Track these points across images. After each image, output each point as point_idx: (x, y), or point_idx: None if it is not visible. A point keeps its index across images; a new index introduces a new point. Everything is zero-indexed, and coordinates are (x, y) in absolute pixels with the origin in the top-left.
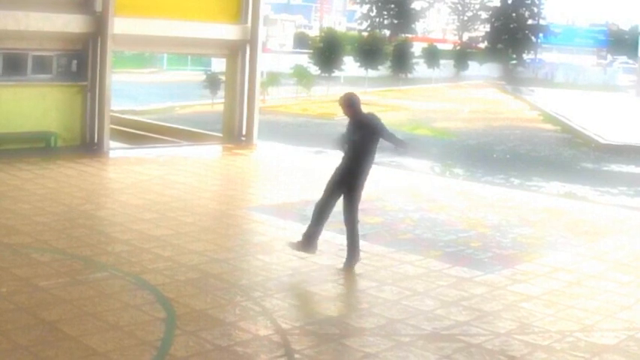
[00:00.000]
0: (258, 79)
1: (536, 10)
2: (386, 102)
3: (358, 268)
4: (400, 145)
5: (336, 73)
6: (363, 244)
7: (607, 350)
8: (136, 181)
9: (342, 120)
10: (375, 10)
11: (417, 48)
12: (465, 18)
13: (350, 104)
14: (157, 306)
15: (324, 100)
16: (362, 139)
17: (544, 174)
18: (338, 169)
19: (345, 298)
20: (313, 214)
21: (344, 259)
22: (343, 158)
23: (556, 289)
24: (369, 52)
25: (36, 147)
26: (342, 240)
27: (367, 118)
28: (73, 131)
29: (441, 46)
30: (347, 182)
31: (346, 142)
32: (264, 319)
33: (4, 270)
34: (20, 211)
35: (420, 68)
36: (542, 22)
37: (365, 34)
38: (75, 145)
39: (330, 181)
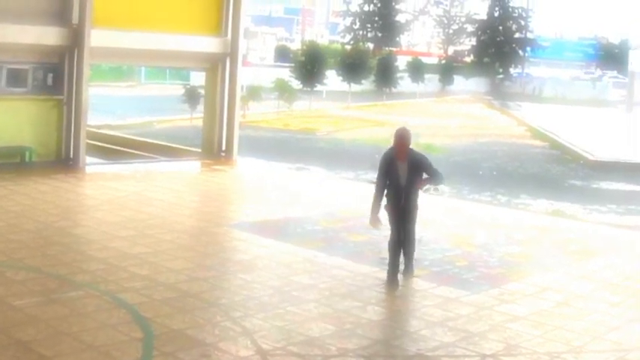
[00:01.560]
0: (239, 93)
1: (523, 23)
2: (369, 117)
3: (341, 288)
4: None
5: (319, 87)
6: (345, 263)
7: None
8: (112, 198)
9: (324, 136)
10: (358, 23)
11: (401, 62)
12: (451, 31)
13: (409, 142)
14: (134, 326)
15: (306, 114)
16: (412, 181)
17: (532, 191)
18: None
19: (328, 319)
20: (389, 252)
21: (327, 278)
22: (393, 199)
23: (544, 310)
24: (352, 65)
25: (10, 162)
26: (324, 259)
27: (421, 158)
28: (49, 146)
29: (425, 60)
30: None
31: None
32: (245, 340)
33: None
34: None
35: (405, 82)
36: (529, 35)
37: (348, 47)
38: (50, 161)
39: (391, 220)
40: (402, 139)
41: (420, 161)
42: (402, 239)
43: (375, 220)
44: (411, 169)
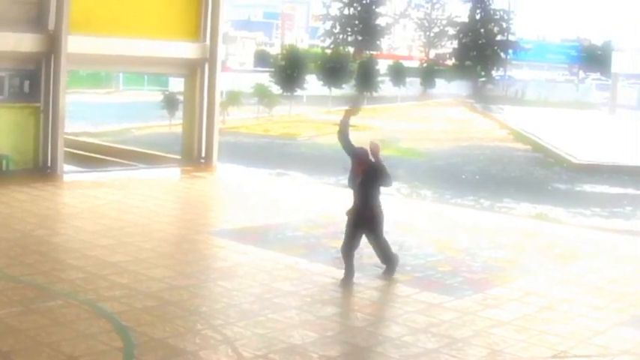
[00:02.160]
0: (218, 99)
1: (505, 25)
2: (350, 121)
3: (323, 294)
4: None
5: (299, 92)
6: (327, 269)
7: None
8: (91, 206)
9: (304, 141)
10: (338, 27)
11: (382, 65)
12: (432, 34)
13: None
14: (114, 335)
15: (286, 120)
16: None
17: (515, 195)
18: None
19: (310, 326)
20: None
21: (308, 285)
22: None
23: (528, 314)
24: (333, 70)
25: None
26: (305, 265)
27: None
28: (26, 154)
29: (407, 64)
30: (363, 221)
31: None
32: (226, 348)
33: None
34: None
35: (386, 86)
36: (511, 37)
37: (328, 51)
38: (28, 169)
39: (347, 225)
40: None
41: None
42: (353, 245)
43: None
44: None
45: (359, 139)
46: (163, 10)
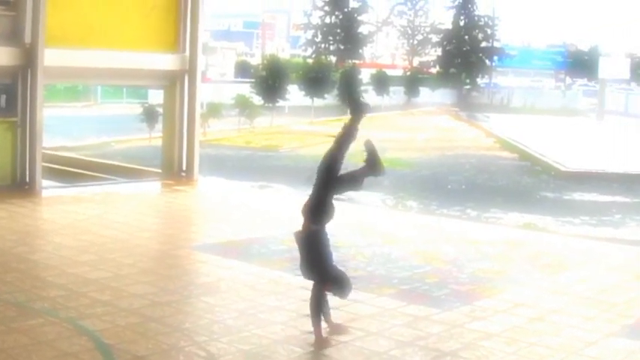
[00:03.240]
0: (198, 111)
1: (490, 31)
2: (334, 132)
3: (308, 309)
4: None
5: (281, 102)
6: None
7: None
8: (71, 222)
9: (287, 152)
10: (320, 36)
11: (365, 74)
12: (415, 42)
13: None
14: (96, 353)
15: (268, 131)
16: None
17: (502, 204)
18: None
19: (295, 341)
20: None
21: (293, 300)
22: None
23: (517, 326)
24: (315, 79)
25: None
26: (290, 279)
27: None
28: (3, 170)
29: (390, 72)
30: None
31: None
32: None
33: None
34: None
35: (369, 96)
36: (496, 44)
37: (310, 60)
38: (5, 185)
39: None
40: None
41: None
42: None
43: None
44: None
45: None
46: (141, 22)
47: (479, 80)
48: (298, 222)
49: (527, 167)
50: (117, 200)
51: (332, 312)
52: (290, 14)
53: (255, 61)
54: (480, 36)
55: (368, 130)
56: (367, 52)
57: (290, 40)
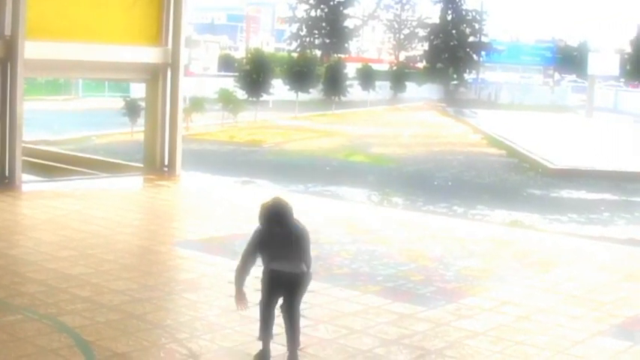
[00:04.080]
0: (181, 105)
1: (477, 26)
2: (318, 127)
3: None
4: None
5: (265, 97)
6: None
7: None
8: (51, 217)
9: (271, 148)
10: (305, 29)
11: (350, 69)
12: (402, 36)
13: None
14: (76, 350)
15: (252, 126)
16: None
17: (489, 202)
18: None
19: (278, 338)
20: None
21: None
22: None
23: (503, 325)
24: (300, 74)
25: None
26: None
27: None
28: None
29: (376, 67)
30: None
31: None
32: None
33: None
34: None
35: (355, 90)
36: (484, 39)
37: (295, 54)
38: None
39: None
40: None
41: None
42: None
43: None
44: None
45: (326, 145)
46: (123, 14)
47: (466, 75)
48: None
49: (514, 164)
50: (98, 195)
51: (315, 310)
52: (275, 7)
53: (239, 54)
54: (468, 31)
55: (354, 125)
56: (353, 46)
57: (274, 34)
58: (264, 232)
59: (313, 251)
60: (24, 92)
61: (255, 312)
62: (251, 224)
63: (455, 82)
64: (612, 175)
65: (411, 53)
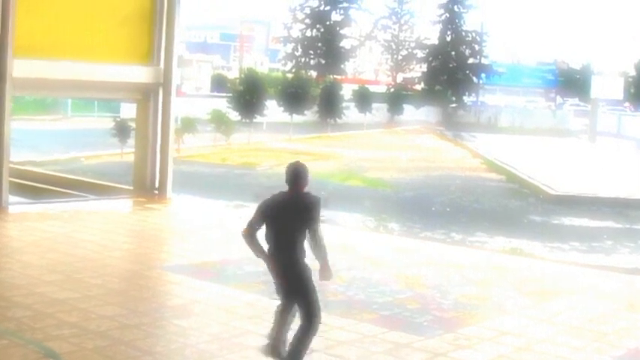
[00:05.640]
0: (172, 126)
1: (477, 47)
2: (313, 150)
3: None
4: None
5: (258, 118)
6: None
7: None
8: (38, 239)
9: (264, 171)
10: (300, 49)
11: (346, 90)
12: (400, 57)
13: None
14: None
15: (245, 148)
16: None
17: (488, 228)
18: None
19: None
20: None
21: (269, 324)
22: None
23: (502, 355)
24: (294, 95)
25: None
26: (266, 302)
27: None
28: None
29: (373, 88)
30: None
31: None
32: None
33: None
34: None
35: (351, 113)
36: (484, 60)
37: (290, 75)
38: None
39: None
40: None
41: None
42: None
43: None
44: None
45: (321, 168)
46: (114, 32)
47: (465, 98)
48: None
49: (514, 190)
50: (86, 218)
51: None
52: (269, 26)
53: (232, 74)
54: (467, 52)
55: (350, 148)
56: (349, 67)
57: (269, 54)
58: (269, 201)
59: None
60: (11, 111)
61: (245, 339)
62: (243, 249)
63: (454, 104)
64: (616, 202)
65: (408, 75)
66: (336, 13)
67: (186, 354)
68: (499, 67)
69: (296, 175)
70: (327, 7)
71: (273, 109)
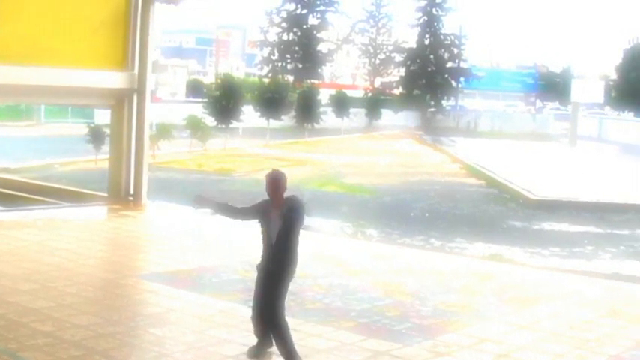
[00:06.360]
0: (147, 132)
1: (456, 51)
2: (290, 156)
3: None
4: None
5: (235, 124)
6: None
7: None
8: (12, 248)
9: (241, 177)
10: (277, 54)
11: (324, 95)
12: (377, 61)
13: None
14: None
15: (221, 154)
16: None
17: (468, 234)
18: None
19: None
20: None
21: (245, 332)
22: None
23: None
24: (271, 100)
25: None
26: (242, 311)
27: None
28: None
29: (351, 93)
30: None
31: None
32: None
33: None
34: None
35: (328, 118)
36: (463, 64)
37: (266, 80)
38: None
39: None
40: (274, 183)
41: (297, 214)
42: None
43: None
44: (285, 223)
45: (299, 174)
46: (88, 37)
47: (444, 102)
48: (251, 250)
49: (494, 195)
50: (61, 226)
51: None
52: (245, 31)
53: (208, 79)
54: (446, 56)
55: (328, 154)
56: (326, 71)
57: (245, 58)
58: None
59: None
60: None
61: (221, 348)
62: (220, 256)
63: (432, 109)
64: (596, 206)
65: (386, 79)
66: (313, 16)
67: None
68: (478, 70)
69: (274, 183)
70: (304, 11)
71: (249, 115)
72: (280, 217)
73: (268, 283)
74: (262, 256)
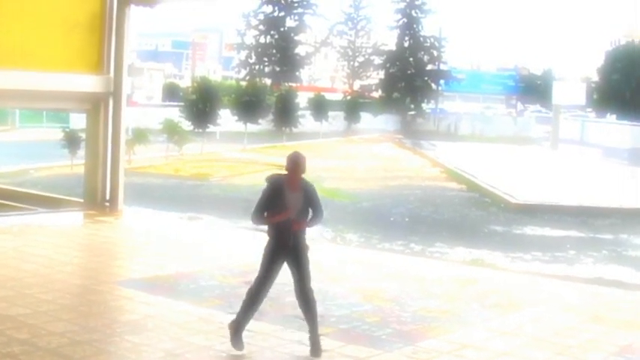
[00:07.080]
0: (123, 137)
1: (436, 53)
2: (268, 160)
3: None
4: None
5: (212, 128)
6: None
7: None
8: None
9: (218, 182)
10: (254, 57)
11: (302, 98)
12: (356, 64)
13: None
14: None
15: (198, 158)
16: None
17: (448, 239)
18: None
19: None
20: (245, 300)
21: (224, 339)
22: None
23: None
24: (249, 103)
25: None
26: (220, 317)
27: (314, 190)
28: None
29: (329, 96)
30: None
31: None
32: None
33: None
34: None
35: (307, 121)
36: (443, 67)
37: (243, 83)
38: None
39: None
40: (296, 165)
41: (313, 194)
42: (267, 289)
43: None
44: (304, 203)
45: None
46: (62, 40)
47: (424, 105)
48: (229, 256)
49: (475, 199)
50: (36, 232)
51: (266, 353)
52: (222, 34)
53: (185, 83)
54: (426, 58)
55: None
56: (305, 74)
57: (222, 61)
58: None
59: None
60: None
61: (199, 355)
62: (197, 262)
63: (412, 112)
64: (579, 210)
65: (365, 82)
66: (291, 19)
67: None
68: (458, 73)
69: (295, 163)
70: (282, 13)
71: (226, 119)
72: (302, 195)
73: (296, 263)
74: (274, 235)
